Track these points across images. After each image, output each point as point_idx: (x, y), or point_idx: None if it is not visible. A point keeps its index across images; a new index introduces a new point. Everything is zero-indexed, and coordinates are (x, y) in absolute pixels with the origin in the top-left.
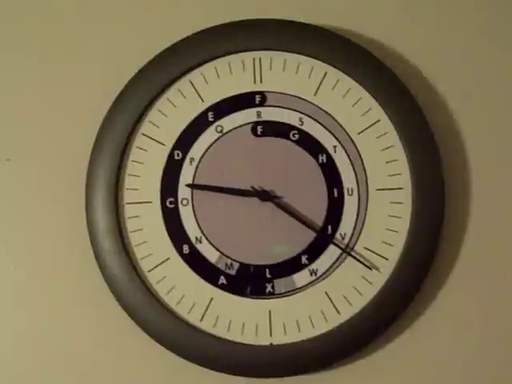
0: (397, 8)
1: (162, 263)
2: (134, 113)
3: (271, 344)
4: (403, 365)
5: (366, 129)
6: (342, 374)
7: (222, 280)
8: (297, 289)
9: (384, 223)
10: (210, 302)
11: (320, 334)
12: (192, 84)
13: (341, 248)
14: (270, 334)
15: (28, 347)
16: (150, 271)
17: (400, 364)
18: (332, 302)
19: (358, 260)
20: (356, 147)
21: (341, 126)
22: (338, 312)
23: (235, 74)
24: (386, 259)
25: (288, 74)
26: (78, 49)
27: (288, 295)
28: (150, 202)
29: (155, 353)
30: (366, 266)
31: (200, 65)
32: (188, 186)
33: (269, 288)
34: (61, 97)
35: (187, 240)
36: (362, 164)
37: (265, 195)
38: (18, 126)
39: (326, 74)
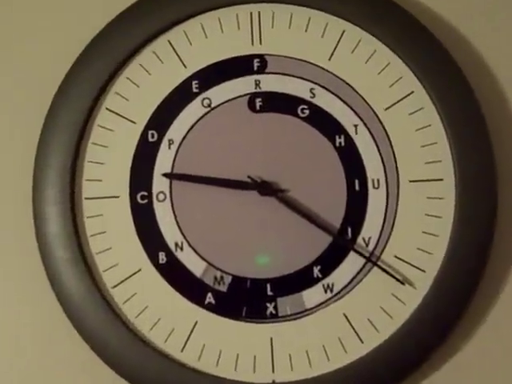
0: None
1: (130, 276)
2: (95, 82)
3: (273, 382)
4: None
5: (396, 103)
6: None
7: (210, 298)
8: (307, 310)
9: (420, 224)
10: (194, 326)
11: (337, 369)
12: (171, 45)
13: (364, 256)
14: (273, 369)
15: None
16: (115, 287)
17: None
18: (353, 327)
19: (387, 272)
20: (383, 126)
21: (363, 99)
22: (361, 340)
23: (227, 33)
24: (423, 271)
25: (295, 33)
26: (26, 5)
27: (295, 318)
28: (117, 197)
29: None
30: (397, 279)
31: (182, 21)
32: (166, 175)
33: (270, 309)
34: (3, 67)
35: (164, 246)
36: (391, 148)
37: (266, 188)
38: None
39: (343, 33)
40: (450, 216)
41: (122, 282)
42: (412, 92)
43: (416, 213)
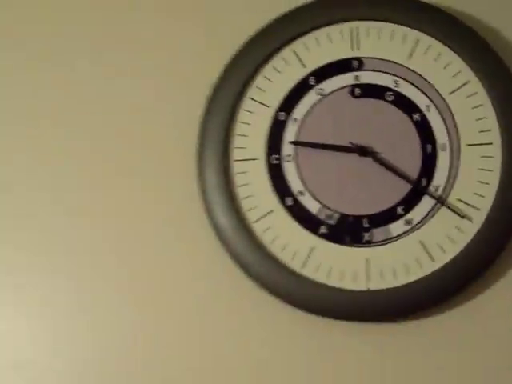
0: None
1: (266, 215)
2: (242, 79)
3: (368, 289)
4: (497, 311)
5: (457, 89)
6: (435, 321)
7: (323, 230)
8: (393, 237)
9: (475, 176)
10: (312, 250)
11: (415, 280)
12: (295, 52)
13: (435, 199)
14: (368, 280)
15: (137, 299)
16: (255, 222)
17: (494, 310)
18: (426, 249)
19: (452, 210)
20: (448, 106)
21: (433, 86)
22: (433, 259)
23: (334, 42)
24: (478, 209)
25: (383, 41)
26: (189, 16)
27: (385, 244)
28: (257, 159)
29: (258, 297)
30: (459, 215)
31: (302, 35)
32: (292, 143)
33: (366, 237)
34: (174, 62)
35: (290, 193)
36: (454, 121)
37: (364, 151)
38: (134, 88)
39: (418, 41)
40: (497, 170)
41: (261, 218)
42: (468, 81)
43: (473, 167)
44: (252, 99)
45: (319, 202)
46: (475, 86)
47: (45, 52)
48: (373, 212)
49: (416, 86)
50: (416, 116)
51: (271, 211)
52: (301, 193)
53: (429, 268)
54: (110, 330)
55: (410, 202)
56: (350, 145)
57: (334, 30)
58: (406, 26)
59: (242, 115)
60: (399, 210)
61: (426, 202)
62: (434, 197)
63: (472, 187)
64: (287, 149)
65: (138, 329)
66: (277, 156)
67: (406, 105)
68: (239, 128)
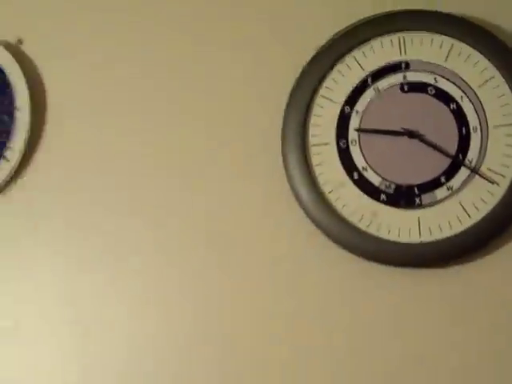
0: None
1: (338, 187)
2: (314, 81)
3: (421, 242)
4: None
5: (484, 83)
6: (473, 266)
7: (383, 197)
8: (438, 201)
9: (501, 150)
10: (374, 213)
11: (456, 234)
12: (355, 58)
13: (470, 169)
14: (420, 235)
15: (232, 267)
16: (329, 192)
17: None
18: (464, 209)
19: (483, 177)
20: (477, 96)
21: (465, 81)
22: (470, 216)
23: (386, 49)
24: (504, 176)
25: (425, 47)
26: (272, 29)
27: (432, 206)
28: (328, 144)
29: (333, 252)
30: (489, 181)
31: (360, 45)
32: (356, 130)
33: (417, 201)
34: (258, 72)
35: (356, 169)
36: (483, 108)
37: (413, 134)
38: (233, 88)
39: (452, 46)
40: None
41: (333, 190)
42: (493, 76)
43: (499, 144)
44: (323, 97)
45: (379, 175)
46: (498, 80)
47: (145, 41)
48: (421, 182)
49: (452, 82)
50: (453, 105)
51: (342, 184)
52: (364, 169)
53: (467, 223)
54: (210, 299)
55: (450, 172)
56: (401, 130)
57: (385, 40)
58: (443, 34)
59: (316, 109)
60: (442, 179)
61: (463, 172)
62: (469, 168)
63: (499, 159)
64: (352, 135)
65: (241, 297)
66: (344, 141)
67: (444, 97)
68: (314, 120)
